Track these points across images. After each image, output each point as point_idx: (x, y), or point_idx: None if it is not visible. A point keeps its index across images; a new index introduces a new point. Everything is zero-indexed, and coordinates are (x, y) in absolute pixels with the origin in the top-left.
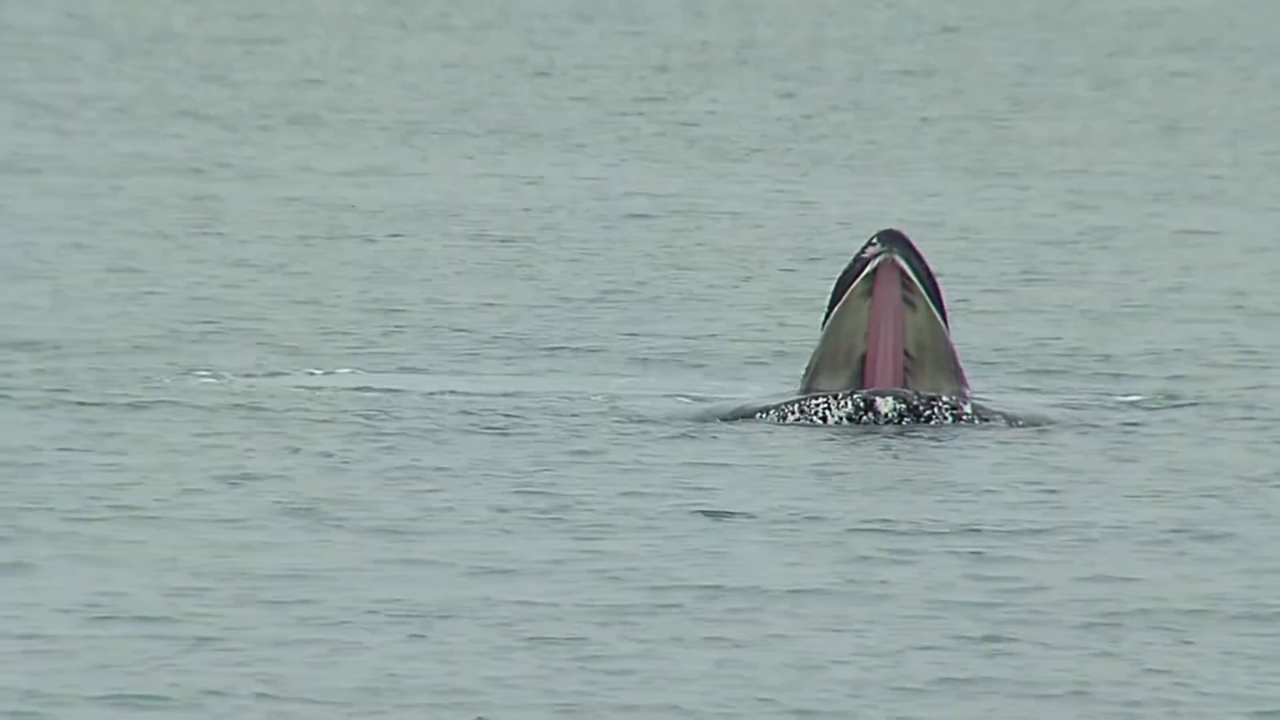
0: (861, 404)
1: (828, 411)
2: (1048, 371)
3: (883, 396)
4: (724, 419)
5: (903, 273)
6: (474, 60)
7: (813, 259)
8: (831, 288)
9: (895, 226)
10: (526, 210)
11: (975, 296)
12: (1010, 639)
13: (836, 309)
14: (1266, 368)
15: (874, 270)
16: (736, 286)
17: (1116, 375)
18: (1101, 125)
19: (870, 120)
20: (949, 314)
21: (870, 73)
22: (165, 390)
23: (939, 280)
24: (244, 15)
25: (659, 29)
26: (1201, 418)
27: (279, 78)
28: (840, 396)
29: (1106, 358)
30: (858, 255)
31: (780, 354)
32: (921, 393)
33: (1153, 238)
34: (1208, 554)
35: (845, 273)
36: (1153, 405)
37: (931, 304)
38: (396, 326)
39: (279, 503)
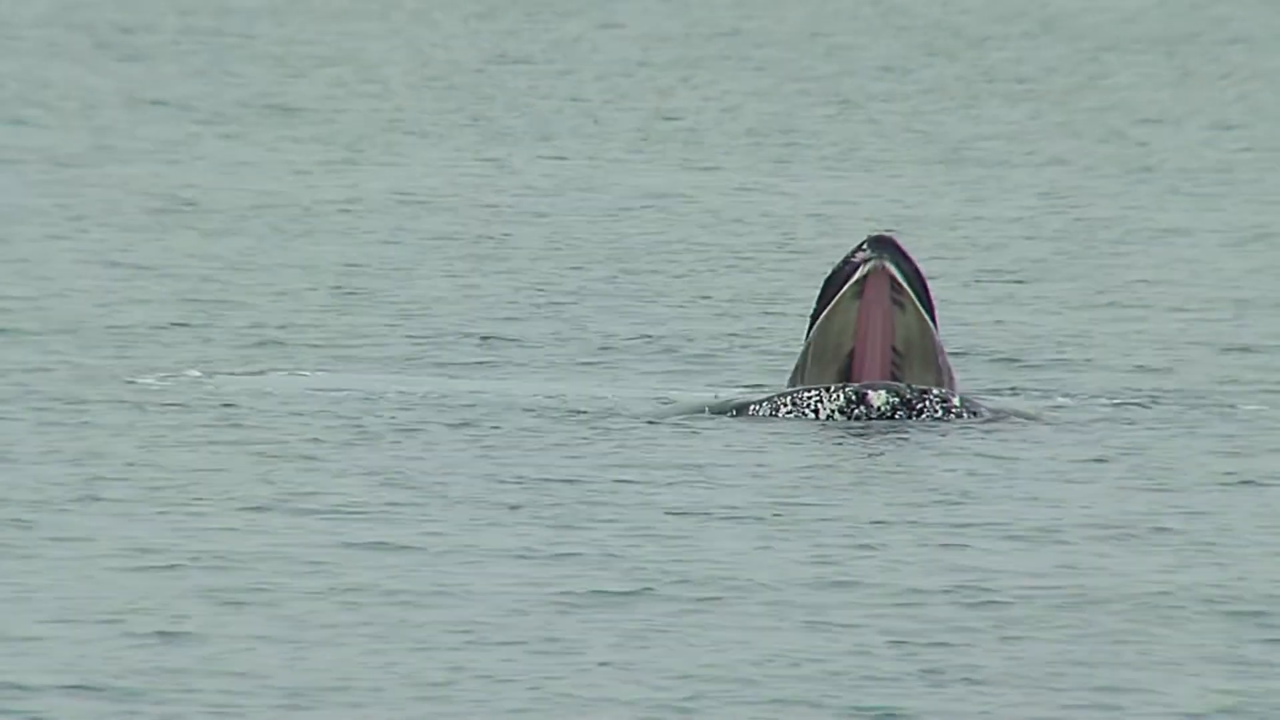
0: (853, 397)
1: (819, 404)
2: (1027, 366)
3: (875, 389)
4: (715, 411)
5: (892, 278)
6: (454, 53)
7: (795, 253)
8: (818, 291)
9: (886, 232)
10: (506, 204)
11: (954, 291)
12: (983, 629)
13: (825, 312)
14: (1243, 363)
15: (864, 276)
16: (717, 279)
17: (1097, 370)
18: (1081, 119)
19: (851, 115)
20: (937, 314)
21: (853, 68)
22: (140, 383)
23: (929, 283)
24: (225, 8)
25: (640, 23)
26: (1181, 412)
27: (259, 70)
28: (832, 389)
29: (1086, 352)
30: (846, 259)
31: (760, 348)
32: (913, 386)
33: (1132, 233)
34: (1181, 546)
35: (833, 275)
36: (1134, 400)
37: (921, 306)
38: (372, 320)
39: (253, 496)
